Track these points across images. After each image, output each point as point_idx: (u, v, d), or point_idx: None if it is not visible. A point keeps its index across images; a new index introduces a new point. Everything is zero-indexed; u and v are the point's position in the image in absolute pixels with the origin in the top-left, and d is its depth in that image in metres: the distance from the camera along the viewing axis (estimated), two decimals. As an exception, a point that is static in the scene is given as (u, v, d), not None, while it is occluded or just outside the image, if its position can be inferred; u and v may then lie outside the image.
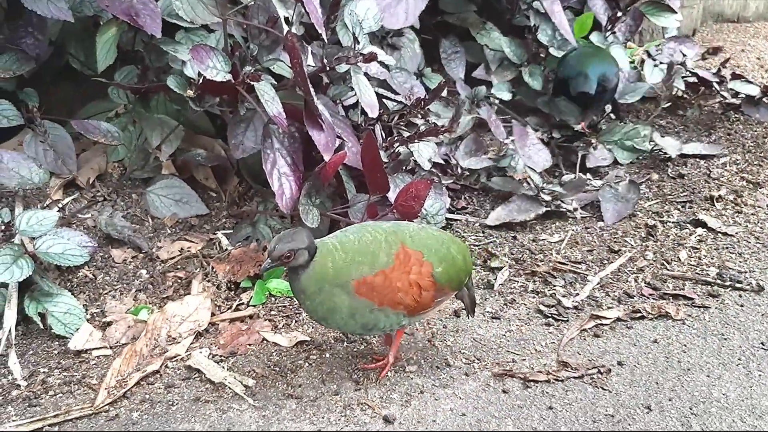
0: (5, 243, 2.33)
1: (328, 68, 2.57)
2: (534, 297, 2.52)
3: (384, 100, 2.97)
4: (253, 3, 2.51)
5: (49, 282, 2.38)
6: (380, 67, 2.83)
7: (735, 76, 3.63)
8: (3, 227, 2.29)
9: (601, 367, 2.17)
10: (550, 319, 2.40)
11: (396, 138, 2.75)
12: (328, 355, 2.24)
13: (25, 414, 2.04)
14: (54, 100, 3.04)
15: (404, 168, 2.83)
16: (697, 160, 3.35)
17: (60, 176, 2.80)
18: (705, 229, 2.87)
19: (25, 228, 2.33)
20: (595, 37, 3.50)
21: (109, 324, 2.36)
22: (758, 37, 4.69)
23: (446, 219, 2.86)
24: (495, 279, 2.60)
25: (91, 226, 2.71)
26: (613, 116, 3.47)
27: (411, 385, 2.12)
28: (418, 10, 3.08)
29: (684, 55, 3.60)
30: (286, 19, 2.47)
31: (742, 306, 2.45)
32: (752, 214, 2.97)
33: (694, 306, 2.45)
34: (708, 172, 3.26)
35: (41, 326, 2.31)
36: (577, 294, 2.52)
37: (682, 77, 3.62)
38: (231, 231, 2.77)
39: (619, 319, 2.39)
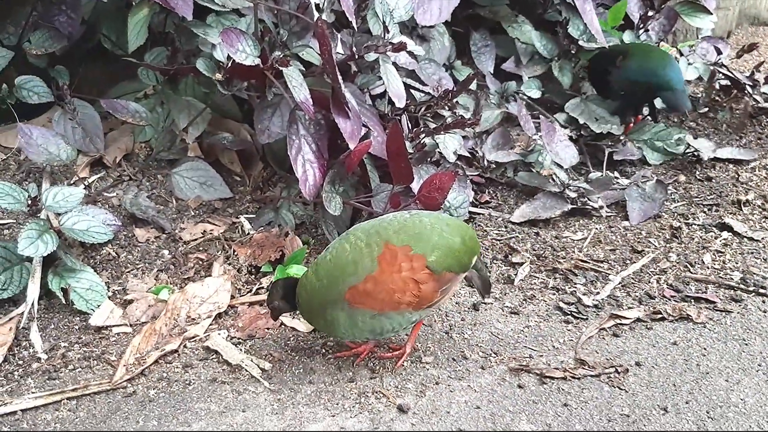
0: (31, 218, 2.36)
1: (357, 56, 2.57)
2: (554, 294, 2.51)
3: (411, 91, 2.96)
4: (284, -12, 2.51)
5: (72, 258, 2.41)
6: (409, 58, 2.83)
7: (768, 80, 3.59)
8: (30, 202, 2.32)
9: (619, 367, 2.16)
10: (570, 317, 2.39)
11: (422, 129, 2.75)
12: (344, 343, 2.24)
13: (44, 386, 2.07)
14: (84, 78, 3.08)
15: (429, 159, 2.83)
16: (726, 163, 3.31)
17: (87, 154, 2.84)
18: (731, 233, 2.83)
19: (51, 204, 2.35)
20: (627, 36, 3.46)
21: (130, 302, 2.39)
22: (794, 41, 4.62)
23: (469, 212, 2.85)
24: (516, 274, 2.59)
25: (115, 205, 2.73)
26: (649, 117, 3.43)
27: (427, 375, 2.12)
28: (452, 5, 3.06)
29: (719, 54, 3.55)
30: (317, 6, 2.48)
31: (764, 312, 2.42)
32: (780, 220, 2.94)
33: (716, 310, 2.43)
34: (736, 176, 3.22)
35: (63, 301, 2.34)
36: (598, 293, 2.51)
37: (716, 79, 3.58)
38: (254, 215, 2.78)
39: (639, 320, 2.37)
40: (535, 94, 3.39)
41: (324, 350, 2.22)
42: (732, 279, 2.58)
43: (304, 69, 2.54)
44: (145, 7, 2.67)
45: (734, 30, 4.72)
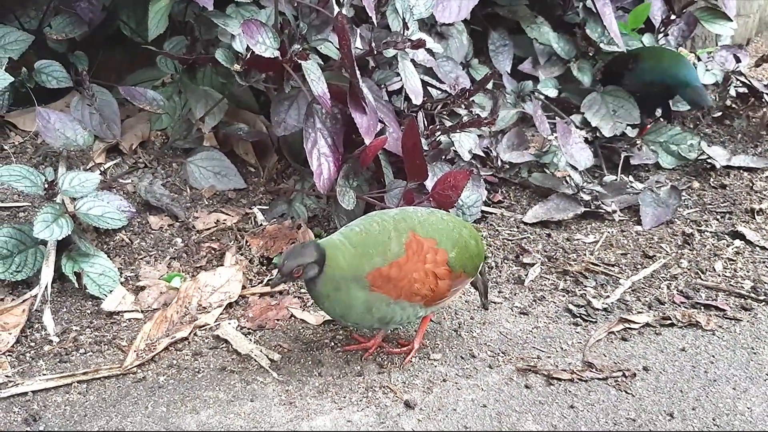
0: (47, 202, 2.38)
1: (375, 52, 2.58)
2: (564, 296, 2.51)
3: (428, 88, 2.96)
4: (305, -18, 2.52)
5: (86, 243, 2.42)
6: (427, 55, 2.83)
7: (786, 89, 3.57)
8: (46, 186, 2.33)
9: (626, 371, 2.16)
10: (579, 319, 2.39)
11: (438, 127, 2.75)
12: (353, 336, 2.25)
13: (55, 369, 2.09)
14: (102, 64, 3.10)
15: (444, 157, 2.83)
16: (741, 171, 3.31)
17: (104, 140, 2.85)
18: (743, 242, 2.83)
19: (67, 188, 2.37)
20: (647, 39, 3.46)
21: (142, 288, 2.41)
22: (814, 51, 4.60)
23: (482, 212, 2.86)
24: (526, 275, 2.60)
25: (130, 192, 2.75)
26: (663, 119, 3.42)
27: (434, 372, 2.13)
28: (472, 4, 3.07)
29: (738, 62, 3.54)
30: (338, 1, 2.48)
31: (774, 321, 2.42)
32: (793, 230, 2.93)
33: (726, 317, 2.43)
34: (751, 185, 3.21)
35: (76, 285, 2.36)
36: (608, 296, 2.51)
37: (734, 86, 3.57)
38: (267, 207, 2.80)
39: (648, 325, 2.37)
40: (552, 93, 3.39)
41: (333, 343, 2.23)
42: (743, 287, 2.57)
43: (322, 63, 2.55)
44: (167, -4, 2.69)
45: (753, 38, 4.70)
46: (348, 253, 1.94)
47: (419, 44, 2.55)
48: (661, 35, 3.49)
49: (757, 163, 3.33)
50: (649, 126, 3.32)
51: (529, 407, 2.02)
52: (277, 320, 2.31)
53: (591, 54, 3.46)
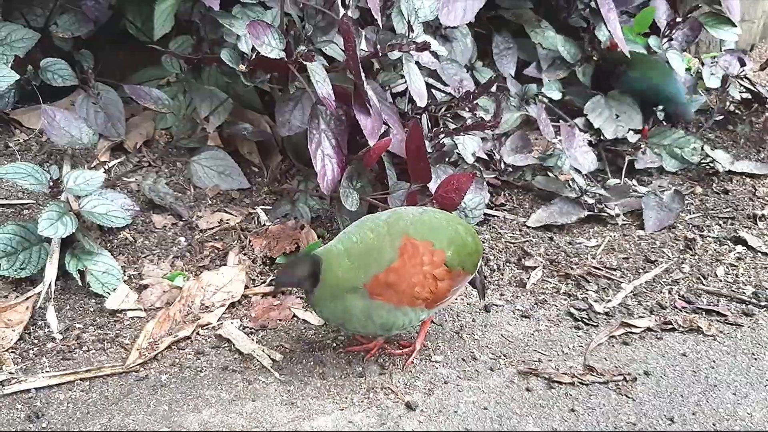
0: (52, 199, 2.39)
1: (380, 54, 2.58)
2: (565, 299, 2.52)
3: (433, 91, 2.97)
4: (311, -17, 2.53)
5: (90, 241, 2.43)
6: (431, 57, 2.84)
7: (790, 95, 3.57)
8: (51, 184, 2.34)
9: (627, 375, 2.17)
10: (580, 323, 2.40)
11: (442, 129, 2.76)
12: (355, 337, 2.26)
13: (58, 366, 2.10)
14: (108, 63, 3.10)
15: (447, 159, 2.84)
16: (744, 177, 3.31)
17: (108, 139, 2.86)
18: (745, 247, 2.83)
19: (72, 186, 2.38)
20: (653, 41, 3.46)
21: (145, 287, 2.41)
22: (818, 57, 4.60)
23: (484, 214, 2.86)
24: (528, 278, 2.60)
25: (134, 190, 2.76)
26: (665, 122, 3.43)
27: (436, 374, 2.14)
28: (477, 7, 3.07)
29: (742, 67, 3.54)
30: (343, 2, 2.49)
31: (775, 327, 2.43)
32: (795, 236, 2.94)
33: (727, 323, 2.43)
34: (753, 190, 3.21)
35: (80, 283, 2.36)
36: (609, 300, 2.51)
37: (738, 91, 3.57)
38: (270, 207, 2.80)
39: (649, 329, 2.38)
40: (556, 96, 3.39)
41: (335, 344, 2.23)
42: (744, 293, 2.58)
43: (327, 64, 2.56)
44: (174, -4, 2.70)
45: (758, 43, 4.70)
46: (344, 266, 1.94)
47: (424, 47, 2.56)
48: (665, 39, 3.49)
49: (760, 169, 3.33)
50: (646, 128, 3.32)
51: (530, 410, 2.03)
52: (280, 320, 2.32)
53: (596, 59, 3.46)
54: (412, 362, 2.16)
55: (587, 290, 2.56)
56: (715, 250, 2.82)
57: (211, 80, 2.92)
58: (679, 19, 3.49)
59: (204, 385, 2.06)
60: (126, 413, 1.95)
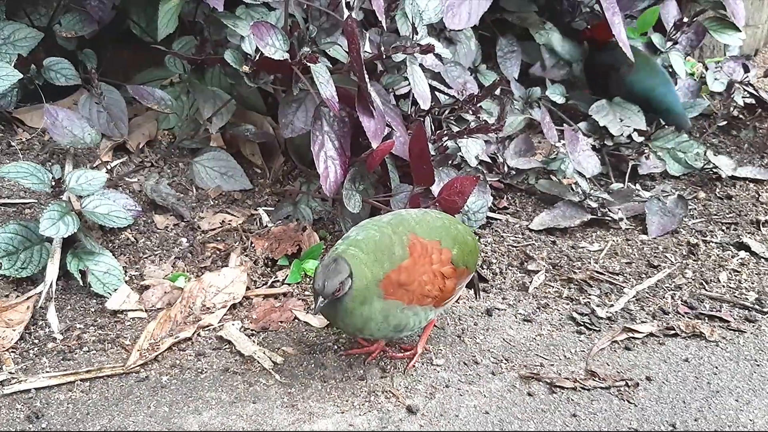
0: (54, 199, 2.38)
1: (384, 56, 2.58)
2: (568, 303, 2.51)
3: (436, 93, 2.96)
4: (316, -16, 2.52)
5: (92, 241, 2.43)
6: (435, 60, 2.83)
7: (794, 101, 3.56)
8: (53, 183, 2.34)
9: (629, 380, 2.16)
10: (582, 327, 2.39)
11: (445, 132, 2.75)
12: (356, 340, 2.25)
13: (58, 367, 2.09)
14: (111, 63, 3.10)
15: (450, 162, 2.83)
16: (747, 182, 3.30)
17: (111, 139, 2.86)
18: (748, 253, 2.82)
19: (74, 186, 2.37)
20: (656, 39, 3.45)
21: (147, 288, 2.41)
22: (822, 62, 4.59)
23: (487, 217, 2.85)
24: (530, 282, 2.59)
25: (136, 191, 2.75)
26: (667, 126, 3.42)
27: (437, 378, 2.13)
28: (482, 10, 3.06)
29: (746, 72, 3.53)
30: (348, 4, 2.48)
31: (778, 334, 2.42)
32: (798, 242, 2.92)
33: (730, 329, 2.42)
34: (757, 196, 3.20)
35: (81, 283, 2.36)
36: (612, 305, 2.51)
37: (742, 97, 3.56)
38: (272, 208, 2.80)
39: (651, 334, 2.37)
40: (560, 99, 3.38)
41: (336, 347, 2.23)
42: (747, 299, 2.57)
43: (331, 65, 2.55)
44: (177, -4, 2.69)
45: (762, 48, 4.69)
46: (368, 262, 1.90)
47: (428, 49, 2.55)
48: (670, 42, 3.48)
49: (764, 174, 3.32)
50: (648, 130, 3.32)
51: (532, 415, 2.02)
52: (281, 322, 2.31)
53: (585, 45, 3.46)
54: (414, 366, 2.15)
55: (590, 295, 2.56)
56: (718, 255, 2.81)
57: (214, 81, 2.91)
58: (685, 19, 3.47)
59: (204, 387, 2.05)
60: (126, 414, 1.95)
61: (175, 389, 2.04)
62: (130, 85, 2.78)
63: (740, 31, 3.59)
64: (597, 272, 2.66)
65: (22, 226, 2.37)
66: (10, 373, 2.05)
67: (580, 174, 3.02)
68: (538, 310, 2.47)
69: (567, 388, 2.12)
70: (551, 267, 2.69)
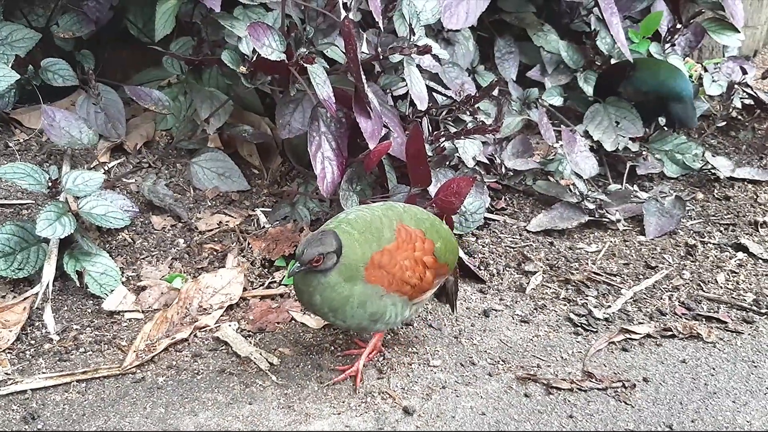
0: (50, 200, 2.38)
1: (381, 57, 2.58)
2: (565, 304, 2.51)
3: (434, 94, 2.96)
4: (313, -15, 2.52)
5: (89, 242, 2.43)
6: (433, 61, 2.83)
7: (793, 102, 3.56)
8: (50, 184, 2.33)
9: (626, 382, 2.16)
10: (579, 329, 2.39)
11: (442, 133, 2.75)
12: (354, 340, 2.25)
13: (55, 367, 2.09)
14: (108, 63, 3.11)
15: (447, 163, 2.83)
16: (746, 183, 3.30)
17: (108, 139, 2.86)
18: (746, 254, 2.82)
19: (71, 187, 2.37)
20: (654, 48, 3.45)
21: (143, 288, 2.41)
22: (821, 63, 4.59)
23: (485, 218, 2.85)
24: (528, 283, 2.59)
25: (134, 191, 2.75)
26: (666, 127, 3.41)
27: (434, 379, 2.13)
28: (479, 10, 3.06)
29: (744, 74, 3.53)
30: (345, 5, 2.48)
31: (776, 335, 2.42)
32: (796, 243, 2.92)
33: (727, 330, 2.42)
34: (755, 197, 3.20)
35: (78, 284, 2.36)
36: (609, 306, 2.50)
37: (740, 98, 3.56)
38: (270, 209, 2.80)
39: (649, 336, 2.37)
40: (557, 101, 3.39)
41: (333, 348, 2.23)
42: (744, 300, 2.56)
43: (328, 66, 2.55)
44: (175, -3, 2.69)
45: (761, 49, 4.69)
46: (360, 240, 1.92)
47: (425, 50, 2.55)
48: (668, 45, 3.48)
49: (762, 175, 3.32)
50: (647, 132, 3.32)
51: (528, 416, 2.02)
52: (278, 323, 2.31)
53: (599, 64, 3.45)
54: (361, 381, 2.09)
55: (587, 296, 2.55)
56: (716, 256, 2.80)
57: (211, 82, 2.91)
58: (679, 26, 3.48)
59: (201, 388, 2.05)
60: (122, 415, 1.94)
61: (172, 390, 2.04)
62: (127, 86, 2.78)
63: (739, 32, 3.59)
64: (594, 273, 2.66)
65: (18, 226, 2.36)
66: (6, 374, 2.05)
67: (578, 175, 3.02)
68: (535, 311, 2.47)
69: (564, 390, 2.12)
70: (548, 268, 2.68)
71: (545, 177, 3.12)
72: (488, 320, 2.40)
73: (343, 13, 2.44)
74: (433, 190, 2.54)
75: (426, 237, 2.02)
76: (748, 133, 3.62)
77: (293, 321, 2.33)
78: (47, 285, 2.31)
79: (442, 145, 2.75)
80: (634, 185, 3.18)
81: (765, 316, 2.49)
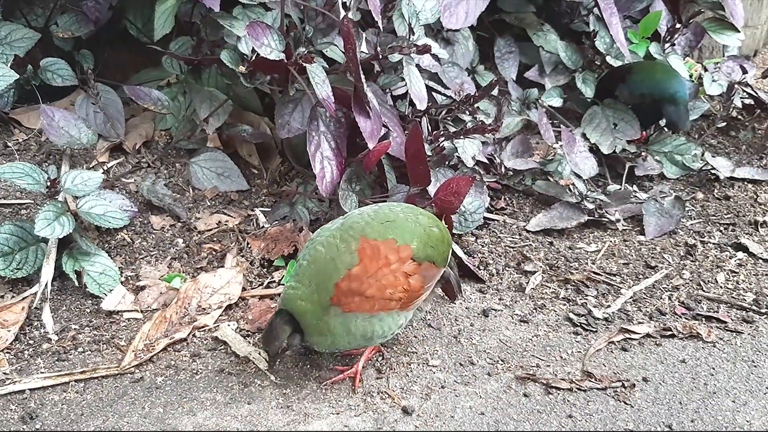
0: (49, 199, 2.38)
1: (380, 56, 2.58)
2: (565, 304, 2.51)
3: (433, 94, 2.96)
4: (312, -15, 2.52)
5: (87, 241, 2.42)
6: (432, 60, 2.83)
7: (793, 101, 3.56)
8: (49, 184, 2.33)
9: (626, 381, 2.15)
10: (579, 328, 2.38)
11: (442, 132, 2.75)
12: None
13: (53, 367, 2.09)
14: (108, 63, 3.10)
15: (447, 163, 2.83)
16: (746, 183, 3.29)
17: (107, 139, 2.85)
18: (746, 254, 2.82)
19: (70, 186, 2.37)
20: (653, 48, 3.45)
21: (142, 288, 2.40)
22: (821, 63, 4.58)
23: (484, 218, 2.85)
24: (527, 282, 2.59)
25: (133, 191, 2.75)
26: (666, 128, 3.41)
27: (433, 379, 2.13)
28: (479, 10, 3.06)
29: (744, 73, 3.52)
30: (344, 4, 2.48)
31: (776, 335, 2.41)
32: (796, 243, 2.92)
33: (727, 330, 2.42)
34: (755, 197, 3.20)
35: (76, 284, 2.35)
36: (609, 306, 2.50)
37: (740, 97, 3.56)
38: (269, 209, 2.79)
39: (648, 335, 2.36)
40: (557, 102, 3.38)
41: (332, 347, 2.22)
42: (744, 300, 2.56)
43: (327, 66, 2.55)
44: (174, -4, 2.69)
45: (761, 49, 4.69)
46: (307, 294, 1.92)
47: (425, 50, 2.55)
48: (667, 45, 3.48)
49: (762, 175, 3.32)
50: (644, 134, 3.31)
51: (527, 416, 2.01)
52: (277, 323, 2.30)
53: (598, 64, 3.45)
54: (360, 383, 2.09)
55: (587, 295, 2.55)
56: (715, 256, 2.80)
57: (211, 81, 2.91)
58: (678, 25, 3.47)
59: (199, 388, 2.05)
60: (120, 415, 1.94)
61: (170, 390, 2.03)
62: (126, 86, 2.78)
63: (739, 31, 3.59)
64: (594, 273, 2.65)
65: (17, 226, 2.36)
66: (5, 373, 2.05)
67: (577, 175, 3.02)
68: (534, 310, 2.47)
69: (563, 389, 2.12)
70: (548, 268, 2.68)
71: (545, 177, 3.12)
72: (487, 320, 2.40)
73: (342, 13, 2.44)
74: (432, 189, 2.53)
75: (399, 245, 1.96)
76: (748, 133, 3.62)
77: (292, 321, 2.32)
78: (46, 285, 2.30)
79: (441, 145, 2.75)
80: (634, 185, 3.17)
81: (765, 315, 2.49)
